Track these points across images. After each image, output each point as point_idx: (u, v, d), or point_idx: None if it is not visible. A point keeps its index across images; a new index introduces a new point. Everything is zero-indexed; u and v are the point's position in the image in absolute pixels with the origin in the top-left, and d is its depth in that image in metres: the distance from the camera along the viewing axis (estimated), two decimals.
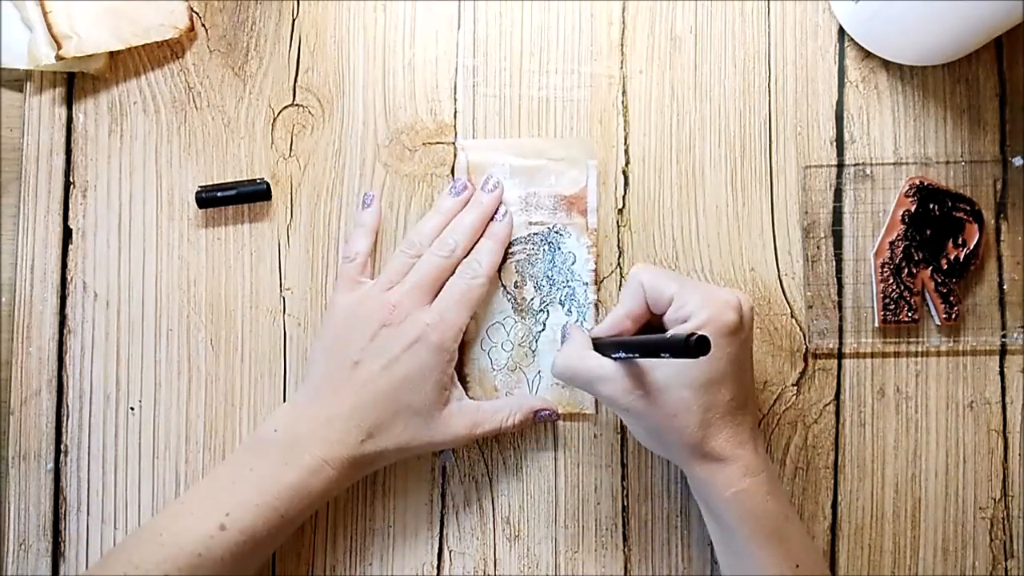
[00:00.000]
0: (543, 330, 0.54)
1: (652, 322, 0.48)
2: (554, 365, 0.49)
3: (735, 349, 0.44)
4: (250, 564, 0.47)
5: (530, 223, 0.54)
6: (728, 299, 0.45)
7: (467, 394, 0.53)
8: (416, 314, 0.50)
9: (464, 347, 0.54)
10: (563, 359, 0.48)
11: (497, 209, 0.53)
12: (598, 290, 0.54)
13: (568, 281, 0.54)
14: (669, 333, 0.44)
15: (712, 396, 0.44)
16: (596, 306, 0.54)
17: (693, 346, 0.38)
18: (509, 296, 0.54)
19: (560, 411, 0.53)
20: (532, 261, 0.54)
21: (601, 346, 0.47)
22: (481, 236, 0.53)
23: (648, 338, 0.43)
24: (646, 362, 0.44)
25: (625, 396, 0.45)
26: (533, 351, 0.54)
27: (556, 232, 0.54)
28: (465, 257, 0.52)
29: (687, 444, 0.45)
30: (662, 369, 0.44)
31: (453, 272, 0.52)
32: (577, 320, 0.54)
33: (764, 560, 0.44)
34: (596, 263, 0.54)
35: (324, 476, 0.47)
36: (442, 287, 0.51)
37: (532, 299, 0.54)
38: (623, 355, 0.45)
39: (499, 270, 0.54)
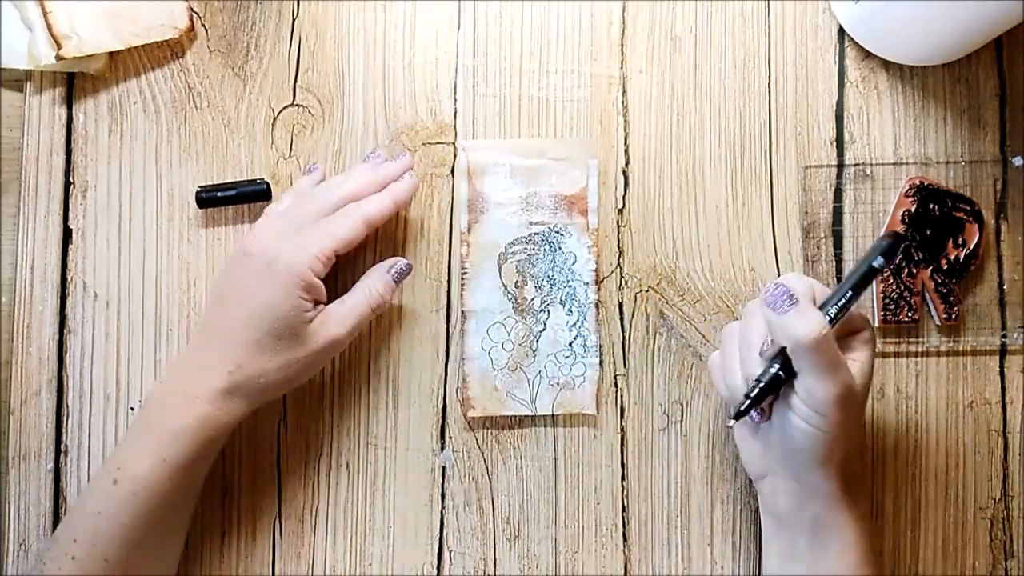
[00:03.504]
0: (543, 330, 0.54)
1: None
2: (812, 331, 0.42)
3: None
4: (153, 525, 0.47)
5: (531, 223, 0.54)
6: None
7: (467, 394, 0.53)
8: (273, 242, 0.49)
9: (464, 346, 0.54)
10: (822, 327, 0.43)
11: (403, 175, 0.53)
12: (599, 290, 0.54)
13: (569, 281, 0.54)
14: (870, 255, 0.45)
15: (862, 416, 0.46)
16: (596, 306, 0.54)
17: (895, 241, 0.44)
18: (510, 296, 0.54)
19: (560, 413, 0.53)
20: (533, 261, 0.54)
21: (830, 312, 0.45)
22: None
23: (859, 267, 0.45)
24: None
25: (829, 395, 0.42)
26: (534, 351, 0.54)
27: (557, 232, 0.54)
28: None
29: (848, 457, 0.45)
30: (859, 380, 0.44)
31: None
32: (578, 321, 0.54)
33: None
34: (597, 263, 0.54)
35: (198, 412, 0.47)
36: None
37: (533, 299, 0.54)
38: (847, 297, 0.44)
39: (500, 270, 0.54)
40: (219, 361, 0.48)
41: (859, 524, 0.45)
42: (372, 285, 0.51)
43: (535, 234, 0.54)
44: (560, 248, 0.54)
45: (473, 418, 0.54)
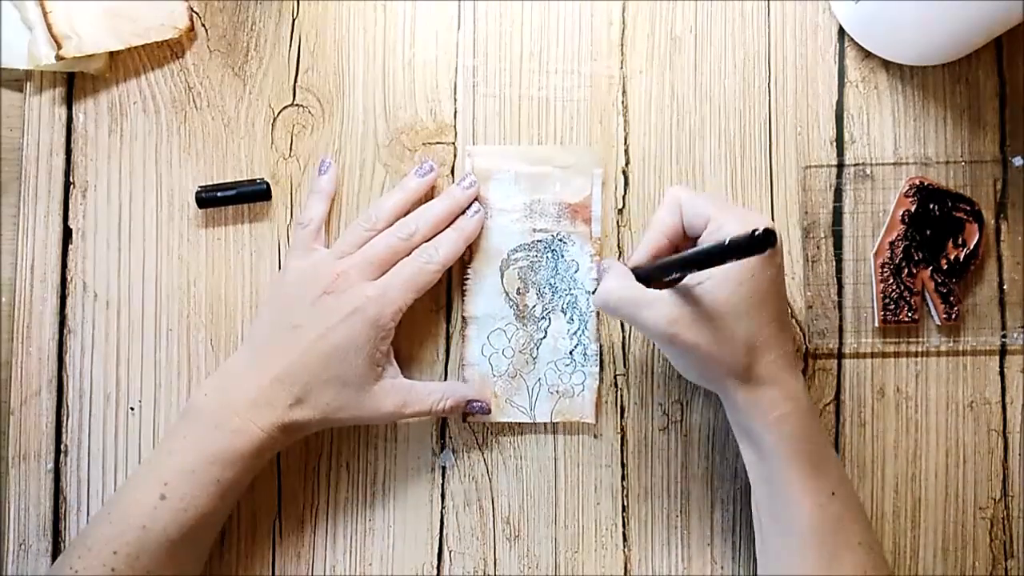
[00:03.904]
0: (544, 337, 0.54)
1: (681, 247, 0.48)
2: (595, 297, 0.48)
3: (774, 271, 0.45)
4: (197, 535, 0.47)
5: (534, 230, 0.54)
6: (766, 222, 0.45)
7: None
8: (359, 286, 0.50)
9: (465, 352, 0.54)
10: (605, 289, 0.47)
11: (470, 205, 0.53)
12: None
13: (570, 289, 0.54)
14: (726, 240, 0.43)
15: (757, 320, 0.44)
16: (597, 315, 0.54)
17: (761, 240, 0.37)
18: (511, 302, 0.54)
19: (561, 421, 0.53)
20: (535, 268, 0.54)
21: (647, 273, 0.46)
22: (447, 229, 0.53)
23: (709, 246, 0.41)
24: (691, 290, 0.44)
25: (672, 325, 0.44)
26: (534, 358, 0.54)
27: (560, 240, 0.54)
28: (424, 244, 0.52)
29: (733, 369, 0.44)
30: (709, 295, 0.44)
31: (408, 256, 0.52)
32: (579, 329, 0.54)
33: (802, 486, 0.44)
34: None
35: (254, 439, 0.47)
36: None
37: (534, 306, 0.54)
38: (676, 274, 0.43)
39: (502, 276, 0.54)
40: (284, 392, 0.48)
41: (778, 427, 0.44)
42: (446, 397, 0.51)
43: (538, 241, 0.54)
44: (563, 256, 0.54)
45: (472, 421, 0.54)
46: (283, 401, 0.48)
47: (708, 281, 0.44)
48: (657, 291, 0.45)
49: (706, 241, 0.46)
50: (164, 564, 0.46)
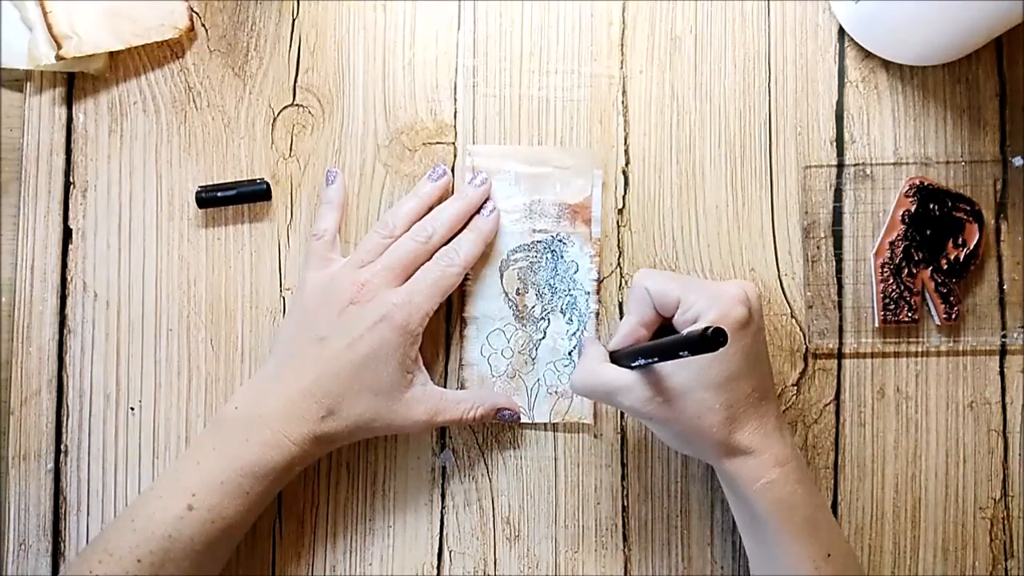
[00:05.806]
0: (543, 338, 0.54)
1: (663, 326, 0.48)
2: (572, 382, 0.48)
3: (748, 341, 0.45)
4: (221, 545, 0.47)
5: (534, 231, 0.54)
6: (735, 293, 0.45)
7: None
8: (384, 294, 0.50)
9: (464, 352, 0.54)
10: (580, 375, 0.48)
11: (484, 204, 0.53)
12: (599, 299, 0.54)
13: (570, 290, 0.54)
14: (684, 332, 0.44)
15: (733, 392, 0.44)
16: (597, 315, 0.54)
17: (711, 339, 0.38)
18: (511, 303, 0.54)
19: (560, 421, 0.53)
20: (535, 269, 0.54)
21: (619, 357, 0.47)
22: (463, 229, 0.53)
23: (665, 340, 0.43)
24: (664, 367, 0.44)
25: (646, 405, 0.44)
26: (533, 359, 0.54)
27: (559, 240, 0.54)
28: (443, 247, 0.52)
29: (714, 442, 0.44)
30: (681, 373, 0.44)
31: (428, 259, 0.52)
32: (578, 330, 0.54)
33: (796, 550, 0.44)
34: (599, 272, 0.54)
35: (286, 452, 0.47)
36: (415, 273, 0.51)
37: (533, 307, 0.54)
38: (643, 362, 0.44)
39: (501, 276, 0.54)
40: (315, 404, 0.48)
41: (766, 495, 0.44)
42: (476, 406, 0.51)
43: (538, 242, 0.54)
44: (562, 257, 0.54)
45: None
46: (314, 413, 0.48)
47: (681, 360, 0.43)
48: (631, 373, 0.45)
49: (678, 322, 0.46)
50: (187, 573, 0.46)
